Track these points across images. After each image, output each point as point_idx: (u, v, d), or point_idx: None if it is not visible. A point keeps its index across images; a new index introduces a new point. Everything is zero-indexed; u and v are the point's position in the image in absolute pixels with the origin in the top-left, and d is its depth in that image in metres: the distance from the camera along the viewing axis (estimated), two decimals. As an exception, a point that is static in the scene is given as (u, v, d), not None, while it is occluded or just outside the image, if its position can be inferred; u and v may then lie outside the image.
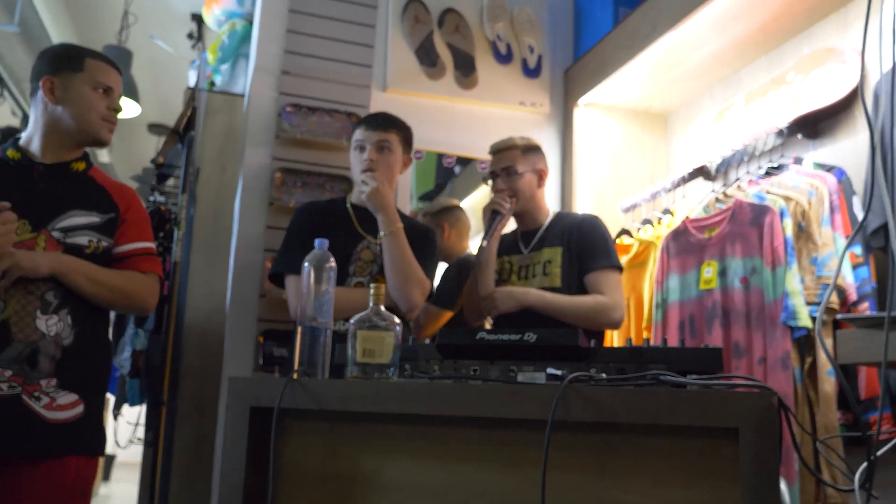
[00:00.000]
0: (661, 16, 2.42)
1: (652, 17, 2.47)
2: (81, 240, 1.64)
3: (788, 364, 1.83)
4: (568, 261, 2.08)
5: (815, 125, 2.21)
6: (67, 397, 1.58)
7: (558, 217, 2.20)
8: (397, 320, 1.38)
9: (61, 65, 1.69)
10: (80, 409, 1.59)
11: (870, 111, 2.01)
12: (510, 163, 2.15)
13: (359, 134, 2.06)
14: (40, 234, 1.60)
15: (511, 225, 2.28)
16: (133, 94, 4.72)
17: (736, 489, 1.08)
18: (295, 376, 1.33)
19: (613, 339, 2.50)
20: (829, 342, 1.86)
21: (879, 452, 1.27)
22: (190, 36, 4.84)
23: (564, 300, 2.03)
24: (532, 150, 2.20)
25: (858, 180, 2.01)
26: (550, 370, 1.30)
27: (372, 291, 1.38)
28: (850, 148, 2.10)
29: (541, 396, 1.17)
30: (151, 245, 1.78)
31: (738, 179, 2.25)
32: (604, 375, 1.27)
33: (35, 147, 1.69)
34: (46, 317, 1.57)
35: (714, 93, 2.74)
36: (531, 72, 2.97)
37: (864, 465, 1.20)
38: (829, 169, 2.03)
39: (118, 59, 4.70)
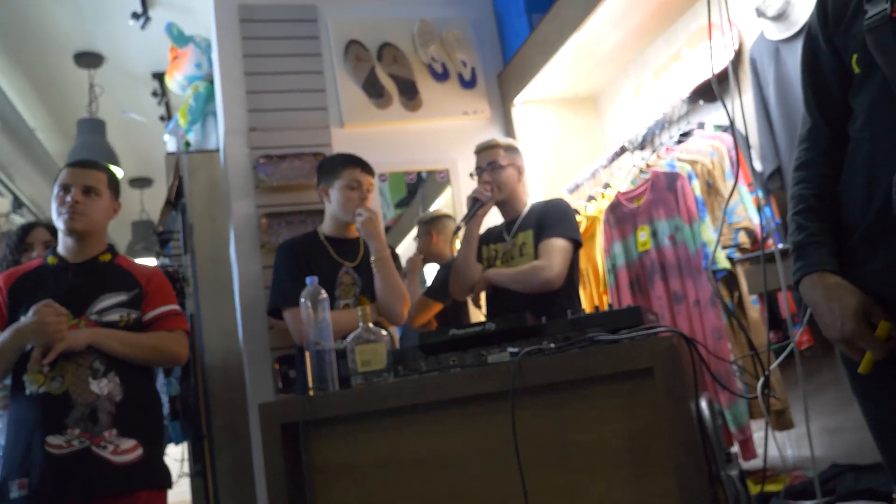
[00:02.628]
0: (564, 23, 2.75)
1: (558, 24, 2.80)
2: (114, 317, 2.00)
3: (716, 302, 2.19)
4: (537, 240, 2.35)
5: (711, 91, 2.55)
6: (128, 443, 1.93)
7: (533, 206, 2.49)
8: (384, 332, 1.71)
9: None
10: (140, 451, 1.94)
11: (748, 73, 2.35)
12: (493, 158, 2.44)
13: (355, 174, 2.38)
14: (81, 320, 1.96)
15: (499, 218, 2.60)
16: (113, 158, 5.00)
17: (660, 414, 1.41)
18: (311, 393, 1.66)
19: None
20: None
21: (772, 366, 1.61)
22: (154, 94, 5.13)
23: (504, 271, 2.36)
24: (512, 148, 2.50)
25: (752, 134, 2.35)
26: (510, 349, 1.62)
27: (360, 313, 1.72)
28: (744, 107, 2.43)
29: (504, 372, 1.50)
30: (174, 307, 2.12)
31: (654, 151, 2.59)
32: (552, 346, 1.60)
33: (65, 250, 2.06)
34: (98, 381, 1.93)
35: (629, 72, 3.08)
36: (468, 83, 3.30)
37: (763, 378, 1.54)
38: (726, 129, 2.37)
39: (92, 130, 4.98)
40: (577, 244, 2.38)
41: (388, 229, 3.41)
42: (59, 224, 2.03)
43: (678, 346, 1.45)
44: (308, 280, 1.78)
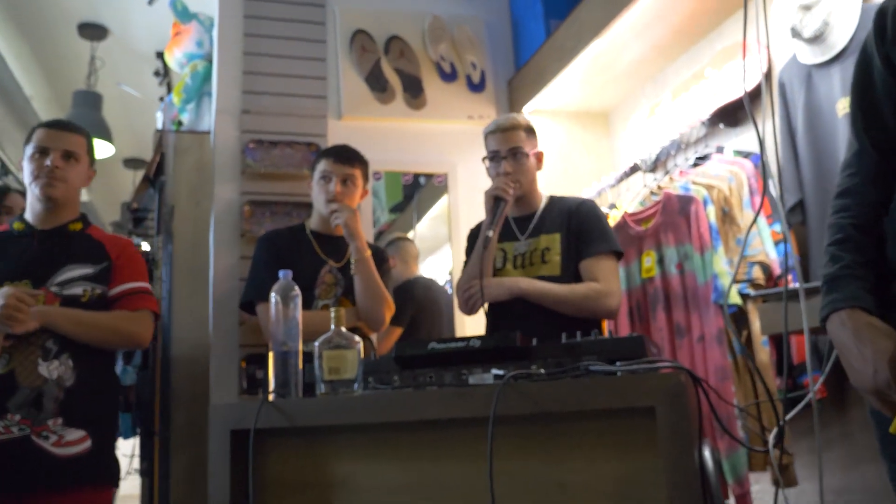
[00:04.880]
0: (583, 28, 2.60)
1: (577, 30, 2.65)
2: (76, 290, 1.82)
3: (723, 340, 2.02)
4: (566, 247, 1.98)
5: (733, 114, 2.40)
6: (74, 433, 1.74)
7: (552, 202, 2.09)
8: (358, 339, 1.54)
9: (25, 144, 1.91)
10: (87, 444, 1.76)
11: (776, 98, 2.20)
12: (517, 143, 2.01)
13: (325, 165, 2.20)
14: (41, 292, 1.78)
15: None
16: (106, 134, 4.85)
17: (659, 459, 1.24)
18: (270, 398, 1.49)
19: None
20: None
21: (788, 417, 1.45)
22: (156, 74, 4.98)
23: (557, 288, 1.92)
24: (532, 130, 2.08)
25: (773, 163, 2.19)
26: (494, 371, 1.46)
27: (332, 315, 1.55)
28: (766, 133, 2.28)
29: (485, 396, 1.33)
30: (143, 284, 1.95)
31: (667, 173, 2.43)
32: (542, 371, 1.43)
33: (33, 216, 1.90)
34: (48, 363, 1.75)
35: (646, 90, 2.93)
36: (476, 87, 3.15)
37: (776, 428, 1.37)
38: (747, 155, 2.22)
39: (88, 103, 4.85)
40: (619, 258, 2.04)
41: (380, 234, 3.26)
42: (34, 189, 1.87)
43: (685, 386, 1.28)
44: (281, 273, 1.61)
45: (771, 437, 1.32)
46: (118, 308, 1.88)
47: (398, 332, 2.70)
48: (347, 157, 2.24)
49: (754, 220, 2.04)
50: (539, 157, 2.10)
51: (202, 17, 3.51)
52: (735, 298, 2.01)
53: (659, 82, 2.84)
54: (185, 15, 3.57)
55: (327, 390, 1.49)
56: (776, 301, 1.69)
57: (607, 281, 1.93)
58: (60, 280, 1.82)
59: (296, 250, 2.22)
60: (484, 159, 2.10)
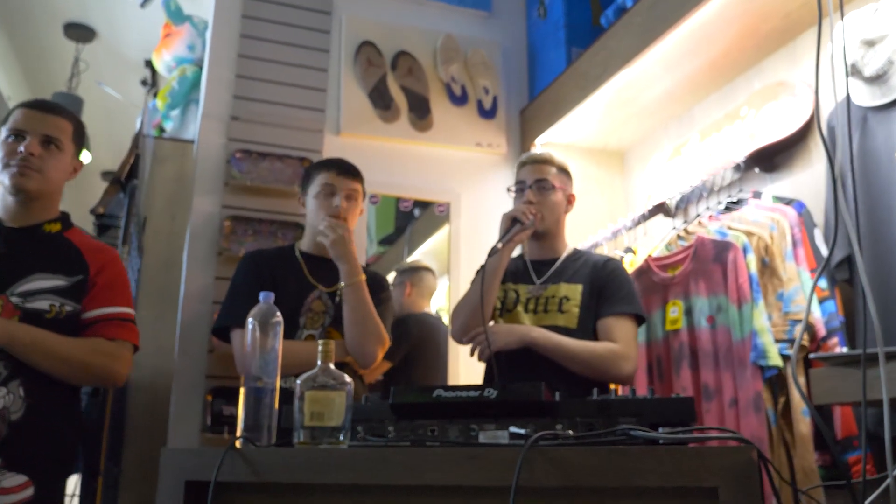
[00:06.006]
0: (611, 56, 2.41)
1: (603, 58, 2.46)
2: (42, 304, 1.52)
3: (761, 406, 1.77)
4: (587, 301, 1.86)
5: (771, 159, 2.20)
6: (14, 479, 1.43)
7: (577, 253, 2.01)
8: (348, 379, 1.28)
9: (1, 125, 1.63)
10: (29, 492, 1.44)
11: (826, 142, 2.00)
12: (544, 175, 1.96)
13: (327, 178, 1.97)
14: None
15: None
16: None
17: (718, 553, 0.99)
18: (238, 444, 1.22)
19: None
20: (801, 381, 1.80)
21: (868, 501, 1.20)
22: (143, 83, 4.76)
23: (573, 343, 1.80)
24: (566, 172, 2.03)
25: (818, 212, 1.98)
26: (513, 429, 1.21)
27: (320, 349, 1.29)
28: (808, 180, 2.09)
29: (503, 460, 1.08)
30: (126, 310, 1.64)
31: (698, 216, 2.21)
32: (570, 432, 1.19)
33: (3, 211, 1.61)
34: None
35: (669, 129, 2.73)
36: (487, 113, 2.94)
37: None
38: (789, 202, 2.01)
39: (68, 105, 4.60)
40: (640, 323, 1.91)
41: (365, 267, 2.99)
42: (4, 178, 1.58)
43: (756, 465, 1.03)
44: (262, 296, 1.35)
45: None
46: (92, 334, 1.56)
47: (385, 366, 2.42)
48: (352, 170, 2.02)
49: (822, 274, 1.82)
50: (570, 198, 2.02)
51: (196, 19, 3.31)
52: (777, 360, 1.77)
53: (685, 121, 2.65)
54: (177, 16, 3.36)
55: (307, 439, 1.23)
56: (837, 366, 1.45)
57: (626, 344, 1.81)
58: (24, 290, 1.52)
59: (282, 273, 1.96)
60: (509, 189, 2.03)
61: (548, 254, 1.98)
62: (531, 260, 1.99)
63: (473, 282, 1.93)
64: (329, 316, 1.96)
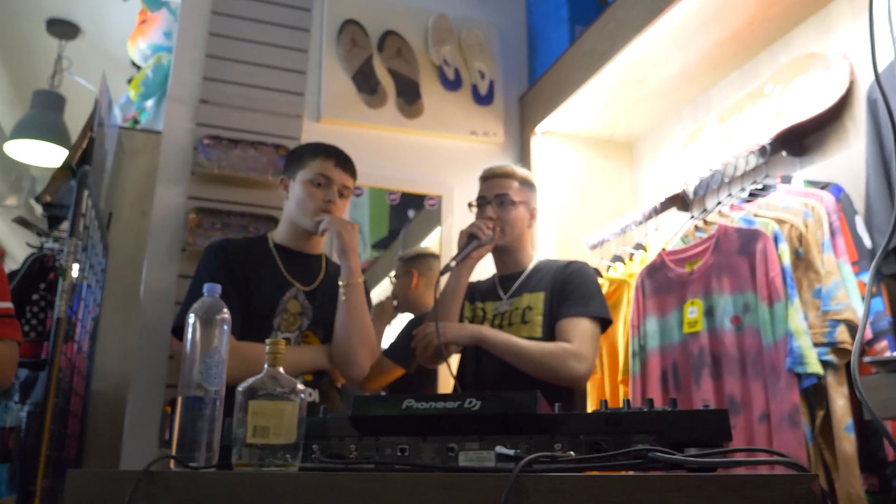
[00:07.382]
0: (619, 29, 2.17)
1: (610, 32, 2.22)
2: None
3: (798, 421, 1.50)
4: (550, 308, 1.81)
5: (800, 140, 1.95)
6: None
7: (542, 263, 1.95)
8: (301, 387, 1.04)
9: None
10: None
11: (862, 118, 1.75)
12: (504, 190, 1.91)
13: (322, 168, 1.77)
14: None
15: (490, 270, 1.99)
16: (64, 140, 4.39)
17: None
18: (159, 466, 0.97)
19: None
20: (843, 391, 1.55)
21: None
22: (129, 82, 4.57)
23: (524, 341, 1.75)
24: (529, 184, 1.98)
25: (858, 197, 1.73)
26: (500, 449, 0.97)
27: (268, 349, 1.06)
28: (844, 162, 1.83)
29: (486, 490, 0.85)
30: (6, 304, 1.47)
31: (719, 204, 1.95)
32: (572, 454, 0.95)
33: None
34: None
35: (683, 115, 2.48)
36: (482, 99, 2.70)
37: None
38: (824, 186, 1.75)
39: (49, 103, 4.42)
40: (605, 326, 1.84)
41: (362, 272, 2.75)
42: None
43: (819, 499, 0.79)
44: (206, 288, 1.13)
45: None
46: None
47: (398, 372, 2.15)
48: (350, 165, 1.84)
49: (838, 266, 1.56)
50: (532, 212, 1.96)
51: (173, 5, 3.10)
52: (816, 367, 1.51)
53: (700, 105, 2.40)
54: (154, 1, 3.16)
55: (249, 460, 1.00)
56: (888, 374, 1.20)
57: (581, 343, 1.74)
58: None
59: (254, 267, 1.74)
60: (470, 205, 1.96)
61: (513, 268, 1.94)
62: (499, 276, 1.97)
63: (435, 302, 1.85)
64: (307, 318, 1.75)
